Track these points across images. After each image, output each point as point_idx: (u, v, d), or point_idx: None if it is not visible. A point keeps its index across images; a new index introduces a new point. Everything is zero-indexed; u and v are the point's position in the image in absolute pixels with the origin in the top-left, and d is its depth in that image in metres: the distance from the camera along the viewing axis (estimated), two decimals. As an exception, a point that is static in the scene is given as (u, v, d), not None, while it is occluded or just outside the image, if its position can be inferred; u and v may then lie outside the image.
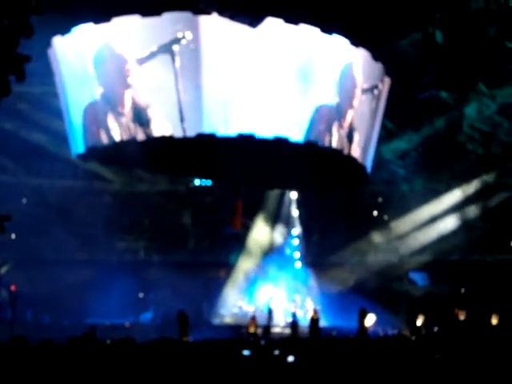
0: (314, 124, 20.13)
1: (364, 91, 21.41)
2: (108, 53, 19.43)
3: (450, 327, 19.22)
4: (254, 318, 23.49)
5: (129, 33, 19.16)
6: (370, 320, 19.52)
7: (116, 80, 19.68)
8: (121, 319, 25.70)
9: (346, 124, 21.22)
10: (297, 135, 19.99)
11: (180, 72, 18.82)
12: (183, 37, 18.67)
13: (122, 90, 19.61)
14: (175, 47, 18.79)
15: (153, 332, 21.83)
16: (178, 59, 18.80)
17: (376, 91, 21.96)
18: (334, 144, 20.89)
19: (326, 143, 20.69)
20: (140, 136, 19.66)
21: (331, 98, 20.44)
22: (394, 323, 25.06)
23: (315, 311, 24.26)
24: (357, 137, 21.77)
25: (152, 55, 18.92)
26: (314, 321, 23.61)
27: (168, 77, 18.97)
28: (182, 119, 19.09)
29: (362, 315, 19.43)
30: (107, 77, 19.80)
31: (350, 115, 21.20)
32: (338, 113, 20.78)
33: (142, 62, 19.07)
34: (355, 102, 21.15)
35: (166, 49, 18.83)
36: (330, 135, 20.70)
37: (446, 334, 16.54)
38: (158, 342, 9.71)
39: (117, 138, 19.98)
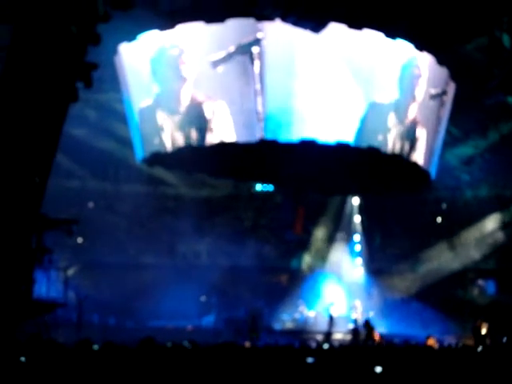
0: (367, 121, 19.88)
1: (432, 97, 21.13)
2: (166, 46, 19.40)
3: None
4: None
5: (201, 35, 18.95)
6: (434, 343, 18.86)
7: (171, 73, 19.51)
8: (183, 322, 25.93)
9: (408, 120, 20.87)
10: (355, 137, 19.85)
11: (258, 75, 18.45)
12: (264, 37, 18.21)
13: (178, 83, 19.55)
14: (255, 49, 18.32)
15: (215, 336, 22.00)
16: (257, 62, 18.37)
17: (445, 97, 21.65)
18: (392, 143, 20.57)
19: (385, 143, 20.40)
20: (194, 140, 19.67)
21: (391, 96, 20.22)
22: (458, 332, 24.63)
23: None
24: (420, 136, 21.41)
25: (229, 56, 18.48)
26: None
27: (243, 80, 18.63)
28: (258, 124, 18.86)
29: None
30: (162, 71, 19.67)
31: (412, 110, 20.84)
32: (397, 106, 20.49)
33: (216, 64, 18.73)
34: (418, 96, 20.80)
35: (245, 50, 18.31)
36: (387, 131, 20.36)
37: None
38: (221, 346, 9.75)
39: (172, 143, 20.12)
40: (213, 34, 18.77)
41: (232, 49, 18.47)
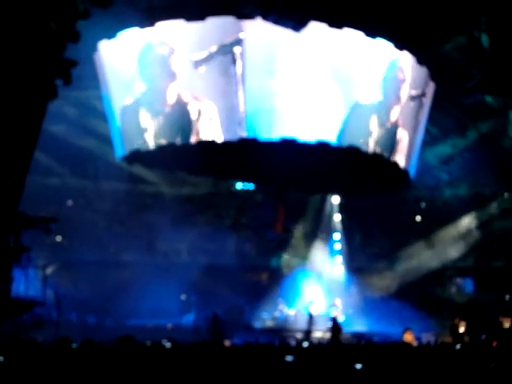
0: (349, 123, 19.90)
1: (412, 98, 21.20)
2: (154, 43, 19.29)
3: (494, 335, 18.85)
4: None
5: (183, 33, 18.87)
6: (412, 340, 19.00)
7: (160, 71, 19.39)
8: (163, 321, 25.86)
9: (389, 123, 20.94)
10: (337, 139, 19.89)
11: (240, 75, 18.40)
12: (245, 37, 18.10)
13: (166, 82, 19.47)
14: (237, 49, 18.25)
15: (195, 334, 21.95)
16: (239, 63, 18.30)
17: (424, 99, 21.74)
18: (373, 145, 20.62)
19: (366, 144, 20.46)
20: (177, 139, 19.63)
21: (374, 97, 20.28)
22: (436, 330, 24.80)
23: None
24: (401, 138, 21.51)
25: (210, 57, 18.43)
26: None
27: (225, 80, 18.55)
28: (239, 123, 18.85)
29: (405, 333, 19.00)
30: (150, 69, 19.54)
31: (395, 112, 20.89)
32: (379, 109, 20.55)
33: (198, 64, 18.65)
34: (402, 98, 20.86)
35: (227, 50, 18.24)
36: (369, 135, 20.43)
37: (493, 341, 16.20)
38: (200, 344, 9.76)
39: (155, 141, 20.04)
40: (194, 32, 18.70)
41: (214, 49, 18.40)
